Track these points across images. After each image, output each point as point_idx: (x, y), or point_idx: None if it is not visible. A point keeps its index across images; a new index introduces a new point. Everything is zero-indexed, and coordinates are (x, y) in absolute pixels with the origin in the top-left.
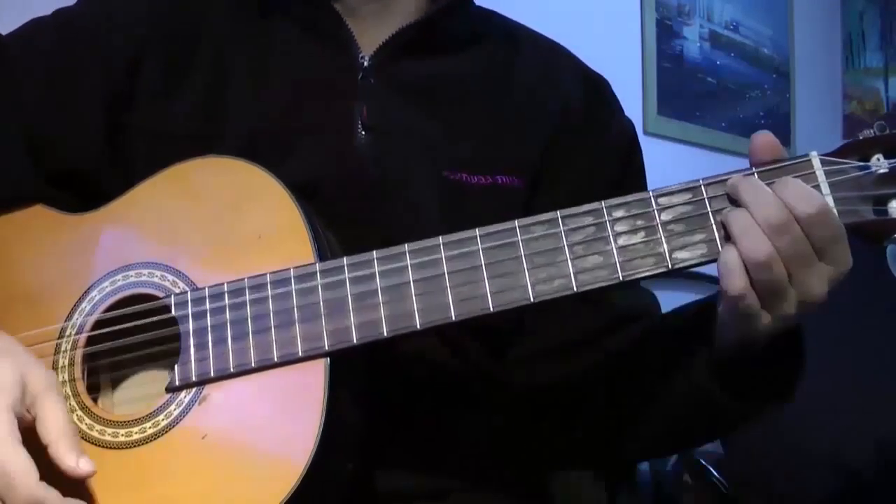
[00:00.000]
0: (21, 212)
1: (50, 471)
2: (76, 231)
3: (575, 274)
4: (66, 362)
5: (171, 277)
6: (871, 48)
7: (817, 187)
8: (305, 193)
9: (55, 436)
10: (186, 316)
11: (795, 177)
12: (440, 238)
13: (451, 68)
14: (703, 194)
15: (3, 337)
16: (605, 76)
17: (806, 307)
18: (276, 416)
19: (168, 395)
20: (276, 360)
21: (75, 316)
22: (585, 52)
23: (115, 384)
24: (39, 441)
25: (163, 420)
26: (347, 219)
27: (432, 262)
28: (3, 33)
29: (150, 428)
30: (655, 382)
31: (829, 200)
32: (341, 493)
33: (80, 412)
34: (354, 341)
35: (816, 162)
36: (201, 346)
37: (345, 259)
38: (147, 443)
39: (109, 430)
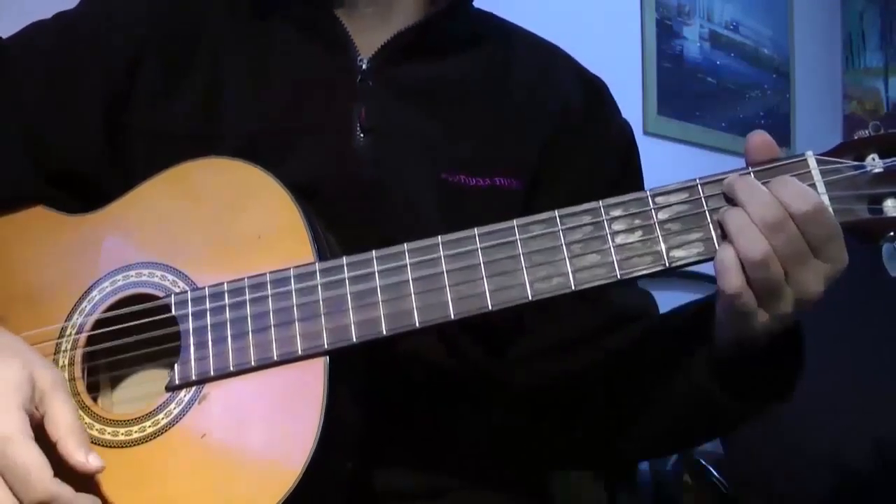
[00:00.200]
0: (22, 212)
1: (57, 468)
2: (77, 231)
3: (573, 272)
4: (66, 362)
5: (171, 277)
6: (871, 48)
7: (813, 186)
8: (304, 194)
9: (64, 433)
10: (186, 315)
11: (791, 176)
12: (439, 237)
13: (449, 70)
14: (699, 193)
15: (9, 336)
16: (605, 76)
17: (802, 305)
18: (275, 415)
19: (168, 394)
20: (275, 358)
21: (75, 316)
22: (585, 51)
23: (114, 383)
24: (48, 438)
25: (162, 419)
26: (346, 220)
27: (431, 261)
28: (4, 36)
29: (149, 427)
30: (655, 382)
31: (825, 199)
32: (340, 491)
33: (80, 411)
34: (354, 340)
35: (812, 161)
36: (201, 346)
37: (344, 258)
38: (147, 442)
39: (109, 429)
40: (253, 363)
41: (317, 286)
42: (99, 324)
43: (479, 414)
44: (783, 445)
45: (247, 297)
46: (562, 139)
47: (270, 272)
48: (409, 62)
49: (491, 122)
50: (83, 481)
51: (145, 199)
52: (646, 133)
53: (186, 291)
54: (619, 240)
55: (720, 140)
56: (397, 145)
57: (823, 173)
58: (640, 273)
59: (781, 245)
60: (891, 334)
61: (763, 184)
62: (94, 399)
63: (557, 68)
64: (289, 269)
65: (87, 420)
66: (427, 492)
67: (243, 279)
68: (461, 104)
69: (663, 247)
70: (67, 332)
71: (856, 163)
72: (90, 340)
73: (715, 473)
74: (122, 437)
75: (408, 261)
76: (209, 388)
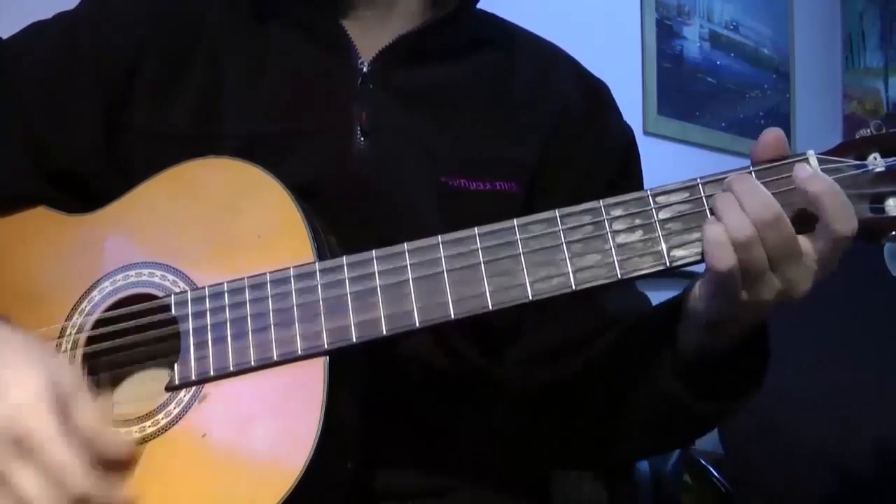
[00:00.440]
0: (22, 213)
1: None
2: (77, 232)
3: (573, 272)
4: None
5: (171, 277)
6: (871, 48)
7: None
8: (304, 195)
9: (96, 428)
10: (186, 315)
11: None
12: (439, 237)
13: (450, 74)
14: (700, 193)
15: (26, 338)
16: (605, 76)
17: (786, 299)
18: (275, 415)
19: (168, 394)
20: (275, 358)
21: (75, 316)
22: (585, 51)
23: (114, 383)
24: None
25: (162, 419)
26: (346, 222)
27: (431, 261)
28: (4, 36)
29: (149, 427)
30: (626, 384)
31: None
32: (340, 491)
33: None
34: (354, 340)
35: (813, 161)
36: (201, 345)
37: (344, 258)
38: (147, 441)
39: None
40: (253, 363)
41: (317, 286)
42: (99, 324)
43: (479, 414)
44: (783, 445)
45: (247, 296)
46: (562, 142)
47: (270, 272)
48: (409, 65)
49: (491, 125)
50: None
51: (145, 198)
52: (646, 133)
53: (186, 291)
54: (620, 239)
55: (720, 140)
56: (397, 148)
57: (825, 172)
58: (640, 273)
59: (772, 238)
60: (891, 333)
61: (764, 182)
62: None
63: (558, 70)
64: (289, 268)
65: None
66: (427, 491)
67: (243, 279)
68: (462, 107)
69: (664, 246)
70: (67, 332)
71: (857, 162)
72: (90, 340)
73: (715, 473)
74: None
75: (408, 261)
76: (209, 388)
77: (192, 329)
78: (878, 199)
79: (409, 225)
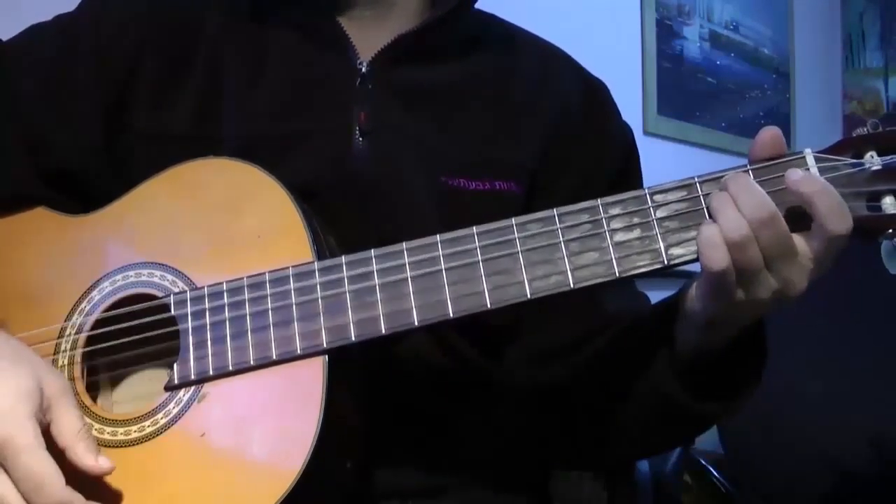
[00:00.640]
0: (23, 213)
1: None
2: (77, 232)
3: (571, 270)
4: (66, 362)
5: (170, 277)
6: (871, 48)
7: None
8: (303, 196)
9: (72, 439)
10: (185, 315)
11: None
12: (437, 236)
13: (449, 74)
14: (698, 191)
15: (15, 342)
16: (605, 76)
17: (783, 298)
18: (274, 414)
19: (167, 394)
20: (274, 357)
21: (75, 316)
22: (585, 51)
23: (114, 383)
24: (55, 444)
25: (162, 418)
26: (345, 222)
27: (430, 259)
28: (4, 38)
29: (149, 426)
30: (623, 384)
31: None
32: (340, 490)
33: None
34: (353, 339)
35: (810, 159)
36: (200, 345)
37: (343, 257)
38: (146, 441)
39: (109, 429)
40: (252, 362)
41: (315, 285)
42: (98, 324)
43: (479, 413)
44: (783, 445)
45: (245, 296)
46: (561, 142)
47: (269, 271)
48: (408, 65)
49: (491, 125)
50: (86, 483)
51: (145, 199)
52: (646, 133)
53: (185, 291)
54: (618, 238)
55: (720, 140)
56: (396, 148)
57: (821, 171)
58: (638, 271)
59: (767, 237)
60: (890, 332)
61: (761, 181)
62: (94, 399)
63: (558, 70)
64: (287, 268)
65: (87, 420)
66: (426, 491)
67: (242, 279)
68: (461, 107)
69: (662, 245)
70: (67, 333)
71: (854, 160)
72: (90, 340)
73: (715, 473)
74: (121, 437)
75: (406, 260)
76: (208, 388)
77: (192, 329)
78: (875, 198)
79: (409, 224)
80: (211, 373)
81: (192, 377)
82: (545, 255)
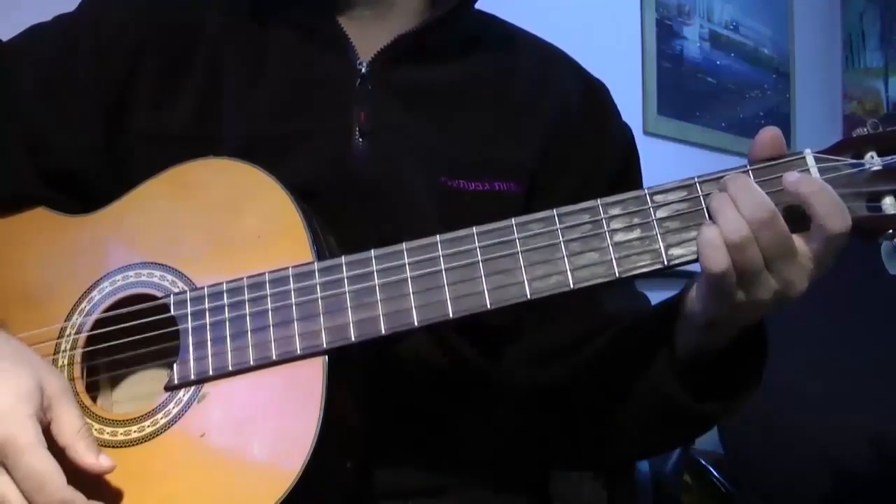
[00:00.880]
0: (22, 214)
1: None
2: (77, 232)
3: (571, 271)
4: (66, 362)
5: (170, 277)
6: (871, 48)
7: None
8: (303, 196)
9: (73, 438)
10: (185, 315)
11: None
12: (437, 236)
13: (449, 74)
14: (698, 192)
15: (15, 343)
16: (605, 76)
17: (784, 298)
18: (274, 414)
19: (167, 394)
20: (274, 358)
21: (75, 316)
22: (585, 51)
23: (114, 383)
24: (55, 443)
25: (161, 419)
26: (345, 222)
27: (430, 260)
28: (4, 39)
29: (148, 426)
30: (622, 384)
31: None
32: (340, 490)
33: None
34: (353, 339)
35: (810, 159)
36: (200, 345)
37: (343, 258)
38: (146, 441)
39: (108, 429)
40: (252, 363)
41: (315, 285)
42: (98, 324)
43: (479, 413)
44: (783, 445)
45: (245, 296)
46: (561, 142)
47: (269, 272)
48: (408, 65)
49: (490, 126)
50: (86, 483)
51: (145, 199)
52: (646, 133)
53: (185, 291)
54: (618, 238)
55: (720, 140)
56: (396, 148)
57: (822, 171)
58: (638, 271)
59: (767, 238)
60: (890, 332)
61: (760, 182)
62: (94, 399)
63: (558, 71)
64: (287, 268)
65: (87, 420)
66: (426, 491)
67: (242, 279)
68: (461, 107)
69: (662, 245)
70: (67, 333)
71: (854, 160)
72: (90, 340)
73: (715, 473)
74: (121, 437)
75: (406, 260)
76: (208, 388)
77: (191, 329)
78: (875, 198)
79: (408, 225)
80: (211, 373)
81: (192, 377)
82: (545, 255)
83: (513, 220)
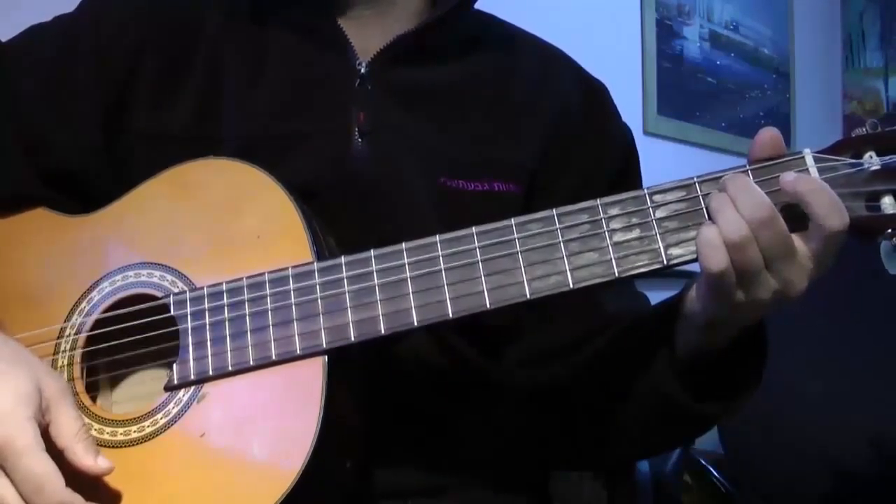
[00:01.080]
0: (22, 214)
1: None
2: (77, 233)
3: (571, 271)
4: (66, 362)
5: (170, 277)
6: (871, 48)
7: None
8: (303, 197)
9: (70, 440)
10: (185, 315)
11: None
12: (437, 236)
13: (448, 75)
14: (697, 192)
15: (13, 344)
16: (605, 76)
17: (784, 298)
18: (274, 414)
19: (167, 394)
20: (274, 358)
21: (74, 316)
22: (585, 51)
23: (113, 383)
24: (54, 445)
25: (161, 419)
26: (345, 223)
27: (429, 260)
28: (4, 39)
29: (148, 427)
30: (622, 384)
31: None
32: (339, 490)
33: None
34: (352, 339)
35: (809, 159)
36: (200, 345)
37: (342, 258)
38: (145, 441)
39: (108, 429)
40: (252, 363)
41: (315, 285)
42: (98, 324)
43: (479, 414)
44: (783, 445)
45: (245, 296)
46: (561, 143)
47: (269, 272)
48: (407, 66)
49: (490, 126)
50: (85, 484)
51: (144, 199)
52: (646, 133)
53: (185, 291)
54: (617, 238)
55: (720, 140)
56: (395, 149)
57: (821, 171)
58: (637, 271)
59: (767, 237)
60: (890, 332)
61: (759, 181)
62: (93, 399)
63: (558, 71)
64: (287, 268)
65: (87, 420)
66: (426, 491)
67: (242, 279)
68: (460, 108)
69: (661, 245)
70: (66, 333)
71: (853, 160)
72: (89, 341)
73: (715, 473)
74: (120, 437)
75: (406, 260)
76: (208, 388)
77: (191, 329)
78: (874, 198)
79: (408, 225)
80: (210, 373)
81: (192, 377)
82: (544, 255)
83: (512, 220)
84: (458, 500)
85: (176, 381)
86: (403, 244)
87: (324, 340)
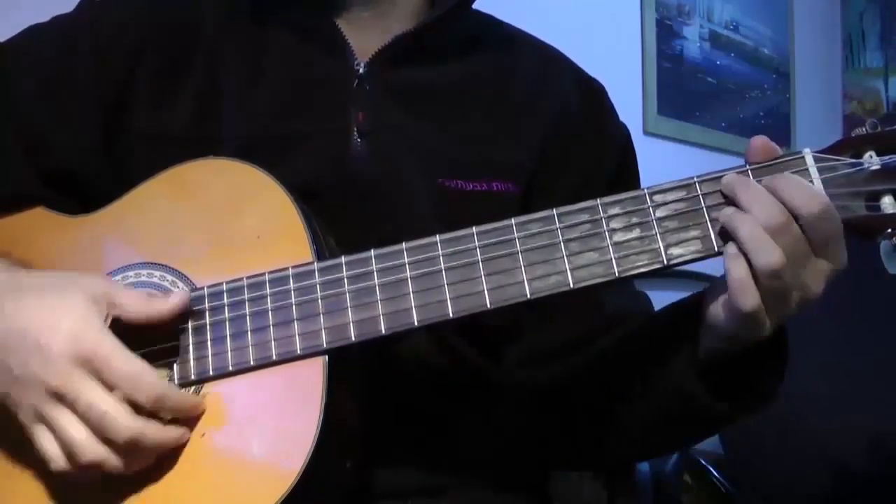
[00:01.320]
0: (22, 214)
1: None
2: (77, 233)
3: (571, 270)
4: None
5: (170, 277)
6: (871, 48)
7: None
8: (302, 197)
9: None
10: (186, 315)
11: (792, 173)
12: (437, 236)
13: (447, 74)
14: (697, 191)
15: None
16: (605, 76)
17: (805, 305)
18: (274, 414)
19: None
20: (274, 358)
21: None
22: (585, 51)
23: None
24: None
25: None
26: (344, 223)
27: (429, 259)
28: (3, 39)
29: None
30: (640, 383)
31: (831, 202)
32: (339, 490)
33: None
34: (353, 338)
35: (809, 159)
36: (200, 345)
37: (342, 258)
38: None
39: None
40: (252, 363)
41: (315, 285)
42: None
43: (479, 413)
44: (783, 445)
45: (245, 296)
46: (559, 143)
47: (269, 272)
48: (406, 66)
49: (490, 126)
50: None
51: (144, 199)
52: (645, 133)
53: (186, 291)
54: (617, 238)
55: (720, 140)
56: (394, 149)
57: (821, 171)
58: (637, 271)
59: (786, 248)
60: (890, 332)
61: (758, 181)
62: None
63: (557, 72)
64: (287, 268)
65: None
66: (426, 490)
67: (242, 279)
68: (459, 108)
69: (661, 244)
70: None
71: (853, 160)
72: None
73: (715, 473)
74: None
75: (406, 260)
76: (208, 388)
77: (192, 329)
78: (874, 198)
79: (407, 225)
80: (211, 373)
81: (193, 377)
82: (545, 255)
83: (512, 219)
84: (458, 500)
85: (176, 381)
86: (404, 244)
87: (324, 340)
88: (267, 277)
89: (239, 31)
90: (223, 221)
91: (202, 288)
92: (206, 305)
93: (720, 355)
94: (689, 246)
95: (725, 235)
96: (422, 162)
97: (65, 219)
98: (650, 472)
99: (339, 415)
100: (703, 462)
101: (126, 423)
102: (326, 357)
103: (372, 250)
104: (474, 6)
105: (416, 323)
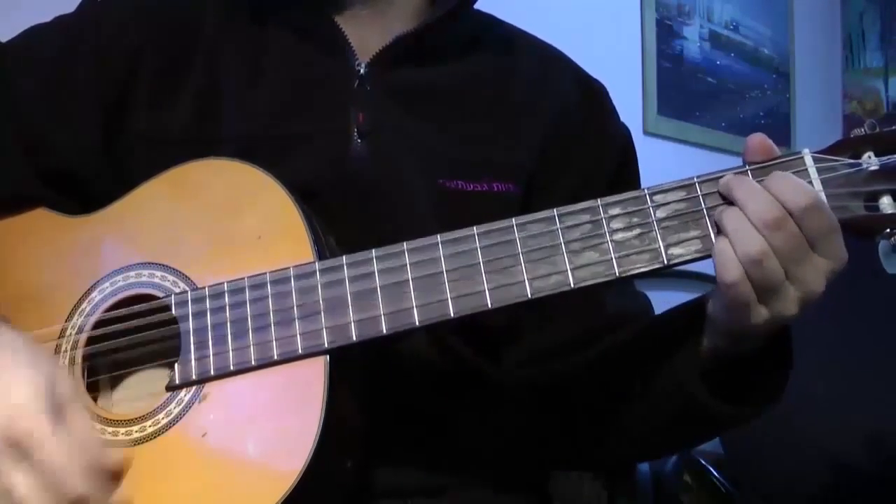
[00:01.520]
0: (22, 214)
1: None
2: (77, 233)
3: (572, 270)
4: (66, 362)
5: (171, 277)
6: (871, 48)
7: (810, 184)
8: (303, 197)
9: (88, 436)
10: (186, 315)
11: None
12: (438, 236)
13: (448, 75)
14: (697, 191)
15: (27, 339)
16: (605, 76)
17: (806, 304)
18: (275, 414)
19: (168, 394)
20: (275, 358)
21: (75, 316)
22: (585, 51)
23: (114, 384)
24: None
25: (163, 419)
26: (345, 223)
27: (430, 260)
28: (4, 39)
29: (150, 426)
30: (643, 384)
31: (821, 197)
32: (340, 490)
33: None
34: (354, 339)
35: (808, 159)
36: (201, 345)
37: (344, 258)
38: (147, 441)
39: (110, 429)
40: (253, 362)
41: (316, 285)
42: (99, 324)
43: (479, 413)
44: (783, 445)
45: (247, 296)
46: (560, 143)
47: (270, 272)
48: (407, 66)
49: (490, 126)
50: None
51: (145, 199)
52: (645, 133)
53: (186, 291)
54: (618, 237)
55: (720, 140)
56: (395, 150)
57: (820, 171)
58: (638, 270)
59: (780, 243)
60: (890, 332)
61: (759, 181)
62: (94, 399)
63: (558, 72)
64: (288, 268)
65: None
66: (427, 490)
67: (243, 279)
68: (460, 108)
69: (661, 244)
70: (67, 333)
71: (852, 160)
72: (90, 341)
73: (715, 473)
74: (122, 437)
75: (407, 260)
76: (209, 388)
77: (193, 329)
78: (873, 198)
79: (407, 225)
80: (212, 373)
81: (194, 377)
82: (545, 254)
83: (513, 219)
84: (458, 500)
85: (178, 381)
86: (405, 244)
87: (325, 340)
88: (268, 277)
89: (239, 31)
90: (224, 221)
91: (203, 288)
92: (208, 305)
93: (723, 356)
94: (689, 246)
95: None
96: (422, 162)
97: (65, 219)
98: (650, 472)
99: (339, 415)
100: (703, 462)
101: None
102: (327, 357)
103: (373, 250)
104: (475, 6)
105: (417, 323)
